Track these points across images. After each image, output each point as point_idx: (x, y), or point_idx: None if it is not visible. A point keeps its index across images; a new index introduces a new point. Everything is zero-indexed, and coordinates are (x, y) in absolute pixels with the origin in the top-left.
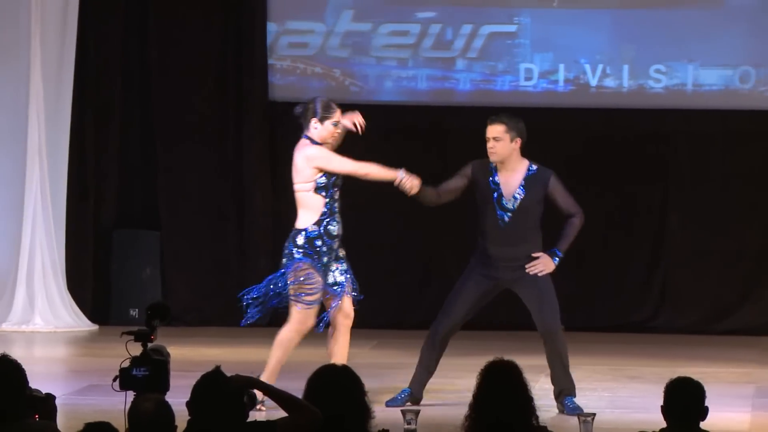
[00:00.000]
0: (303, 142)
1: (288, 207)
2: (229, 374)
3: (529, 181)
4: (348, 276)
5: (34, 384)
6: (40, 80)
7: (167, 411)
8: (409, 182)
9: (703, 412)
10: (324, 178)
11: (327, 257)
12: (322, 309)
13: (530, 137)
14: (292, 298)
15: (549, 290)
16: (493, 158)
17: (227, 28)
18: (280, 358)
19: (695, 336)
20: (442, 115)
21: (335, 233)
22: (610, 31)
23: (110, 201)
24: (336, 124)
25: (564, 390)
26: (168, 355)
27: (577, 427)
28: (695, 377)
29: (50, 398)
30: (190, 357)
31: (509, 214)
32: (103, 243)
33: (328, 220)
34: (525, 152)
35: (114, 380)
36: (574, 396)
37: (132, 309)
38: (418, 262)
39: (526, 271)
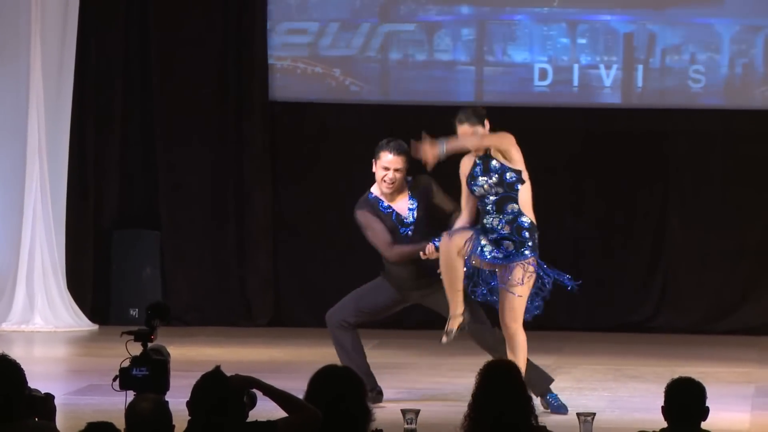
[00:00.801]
0: None
1: (288, 207)
2: (229, 374)
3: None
4: None
5: (33, 384)
6: (41, 80)
7: (165, 411)
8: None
9: (704, 413)
10: None
11: None
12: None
13: (529, 137)
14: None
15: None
16: (391, 189)
17: (227, 28)
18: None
19: (695, 336)
20: (442, 115)
21: None
22: (608, 31)
23: (110, 201)
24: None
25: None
26: (168, 354)
27: (577, 426)
28: (695, 377)
29: (50, 398)
30: (190, 357)
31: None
32: (103, 243)
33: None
34: (526, 152)
35: (114, 380)
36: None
37: (132, 309)
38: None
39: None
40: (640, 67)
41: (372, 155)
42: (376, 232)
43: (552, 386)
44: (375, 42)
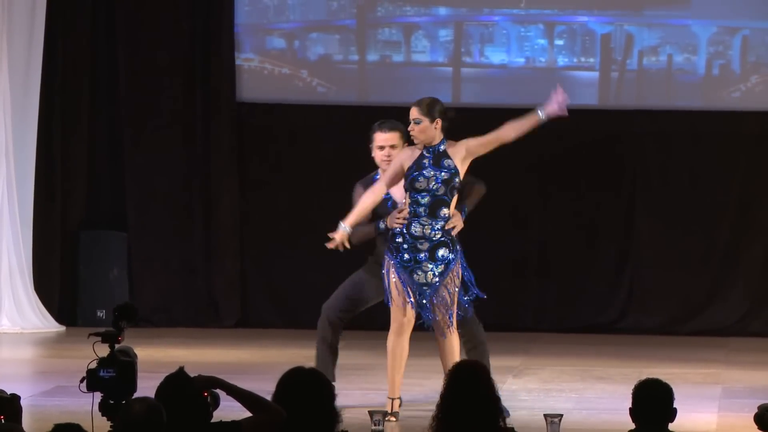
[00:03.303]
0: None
1: (255, 208)
2: (194, 375)
3: None
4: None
5: None
6: (7, 81)
7: (158, 414)
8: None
9: (672, 414)
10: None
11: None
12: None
13: None
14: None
15: None
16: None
17: (195, 29)
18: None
19: (662, 337)
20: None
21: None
22: (585, 32)
23: (77, 202)
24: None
25: None
26: (135, 356)
27: (544, 428)
28: (662, 378)
29: (15, 399)
30: (158, 358)
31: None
32: (70, 244)
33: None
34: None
35: (81, 381)
36: None
37: (99, 310)
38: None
39: None
40: (617, 68)
41: (342, 156)
42: (357, 198)
43: (519, 387)
44: (342, 43)
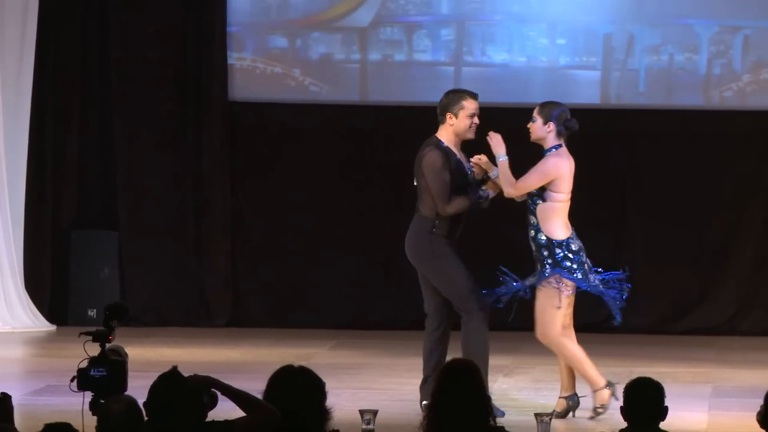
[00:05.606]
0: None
1: (247, 207)
2: (186, 374)
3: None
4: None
5: None
6: (0, 80)
7: (137, 412)
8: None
9: (663, 413)
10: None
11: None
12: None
13: (507, 137)
14: None
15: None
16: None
17: (187, 29)
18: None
19: (653, 336)
20: (417, 116)
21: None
22: (587, 31)
23: (69, 201)
24: None
25: None
26: (126, 355)
27: (534, 427)
28: (653, 377)
29: (7, 399)
30: (148, 357)
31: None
32: (62, 243)
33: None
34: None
35: (72, 381)
36: None
37: (90, 309)
38: (377, 262)
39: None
40: (619, 67)
41: (335, 156)
42: (445, 183)
43: (510, 386)
44: (335, 43)
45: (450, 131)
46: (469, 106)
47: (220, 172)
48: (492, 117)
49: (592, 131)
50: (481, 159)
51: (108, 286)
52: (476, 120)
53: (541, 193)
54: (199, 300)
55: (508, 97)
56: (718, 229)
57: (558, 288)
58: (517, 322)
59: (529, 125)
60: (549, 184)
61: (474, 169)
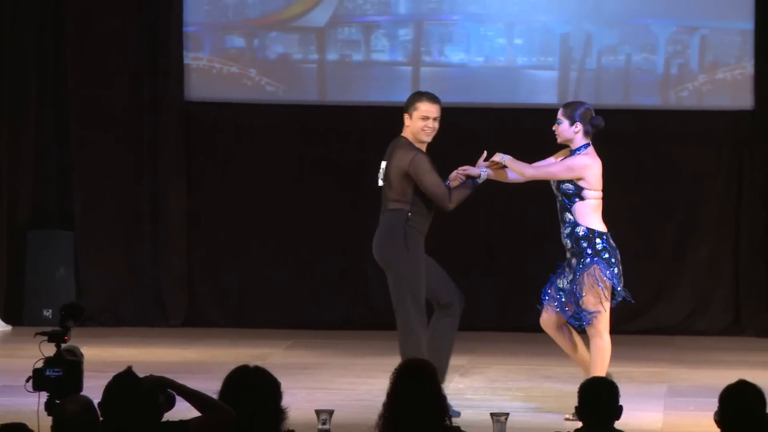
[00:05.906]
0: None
1: (202, 207)
2: (141, 375)
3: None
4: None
5: None
6: None
7: (92, 413)
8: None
9: (618, 412)
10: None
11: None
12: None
13: (465, 137)
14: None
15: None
16: (431, 138)
17: (143, 28)
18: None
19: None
20: (358, 115)
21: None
22: (544, 31)
23: (24, 200)
24: None
25: None
26: (81, 355)
27: (490, 427)
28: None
29: None
30: (104, 357)
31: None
32: (17, 243)
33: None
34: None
35: (27, 381)
36: None
37: (45, 309)
38: (333, 261)
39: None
40: (576, 67)
41: (291, 155)
42: (439, 181)
43: (466, 386)
44: (291, 42)
45: (408, 132)
46: (423, 107)
47: (176, 171)
48: (451, 116)
49: (550, 131)
50: (466, 170)
51: (64, 286)
52: (431, 123)
53: (579, 192)
54: (155, 300)
55: (466, 96)
56: (673, 229)
57: (599, 286)
58: (475, 321)
59: (554, 128)
60: (582, 182)
61: (451, 183)
